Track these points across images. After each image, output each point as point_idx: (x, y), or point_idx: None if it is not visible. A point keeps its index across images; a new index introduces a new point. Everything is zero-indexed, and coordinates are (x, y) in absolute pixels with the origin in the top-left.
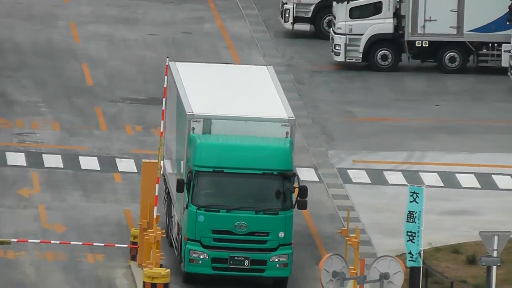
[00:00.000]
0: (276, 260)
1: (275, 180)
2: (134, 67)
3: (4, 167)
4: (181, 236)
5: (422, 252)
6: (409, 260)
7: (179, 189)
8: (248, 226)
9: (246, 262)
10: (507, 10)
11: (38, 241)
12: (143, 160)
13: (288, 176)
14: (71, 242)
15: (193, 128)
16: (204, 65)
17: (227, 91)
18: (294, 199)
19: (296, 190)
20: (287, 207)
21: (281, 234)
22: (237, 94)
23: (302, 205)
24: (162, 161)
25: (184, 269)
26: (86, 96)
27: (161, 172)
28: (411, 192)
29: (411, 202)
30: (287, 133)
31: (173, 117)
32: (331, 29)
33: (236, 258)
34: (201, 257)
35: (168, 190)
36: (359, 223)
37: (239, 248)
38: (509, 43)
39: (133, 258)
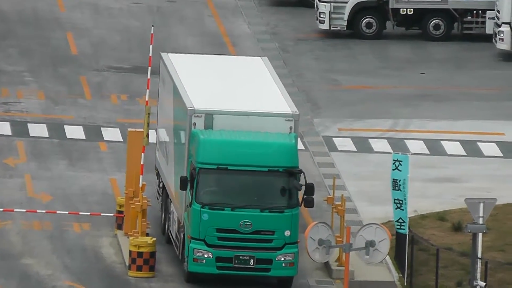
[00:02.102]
0: (282, 259)
1: (281, 177)
2: (118, 36)
3: None
4: (183, 234)
5: (408, 219)
6: (398, 228)
7: (182, 186)
8: (253, 225)
9: (252, 261)
10: None
11: (24, 210)
12: (129, 129)
13: (294, 173)
14: (57, 212)
15: (195, 124)
16: (198, 57)
17: (226, 85)
18: (300, 197)
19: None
20: (293, 205)
21: (287, 233)
22: (236, 88)
23: (309, 203)
24: (148, 134)
25: (188, 269)
26: (71, 65)
27: (155, 148)
28: (394, 160)
29: (393, 170)
30: (290, 128)
31: (169, 110)
32: None
33: (241, 257)
34: (205, 256)
35: (163, 184)
36: (345, 191)
37: (244, 247)
38: (494, 10)
39: (119, 227)
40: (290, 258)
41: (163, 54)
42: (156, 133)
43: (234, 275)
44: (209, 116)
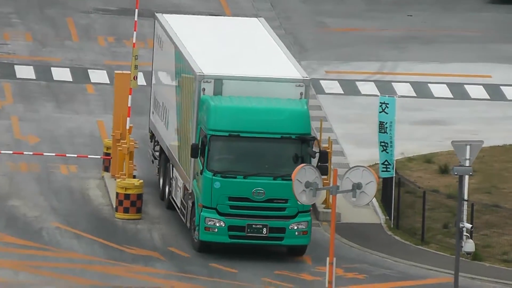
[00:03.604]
0: (295, 227)
1: (294, 144)
2: None
3: None
4: (192, 202)
5: (394, 162)
6: (383, 171)
7: (194, 154)
8: (266, 193)
9: (264, 230)
10: None
11: (11, 152)
12: (116, 71)
13: (307, 140)
14: (44, 153)
15: (204, 89)
16: (195, 18)
17: (231, 49)
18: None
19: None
20: None
21: None
22: (243, 53)
23: (323, 170)
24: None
25: (199, 238)
26: (57, 7)
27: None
28: (380, 102)
29: (380, 112)
30: (301, 93)
31: (169, 74)
32: None
33: (254, 226)
34: (217, 225)
35: (161, 148)
36: (332, 133)
37: (257, 216)
38: None
39: (106, 169)
40: (303, 227)
41: (158, 15)
42: (151, 96)
43: (246, 244)
44: (218, 82)
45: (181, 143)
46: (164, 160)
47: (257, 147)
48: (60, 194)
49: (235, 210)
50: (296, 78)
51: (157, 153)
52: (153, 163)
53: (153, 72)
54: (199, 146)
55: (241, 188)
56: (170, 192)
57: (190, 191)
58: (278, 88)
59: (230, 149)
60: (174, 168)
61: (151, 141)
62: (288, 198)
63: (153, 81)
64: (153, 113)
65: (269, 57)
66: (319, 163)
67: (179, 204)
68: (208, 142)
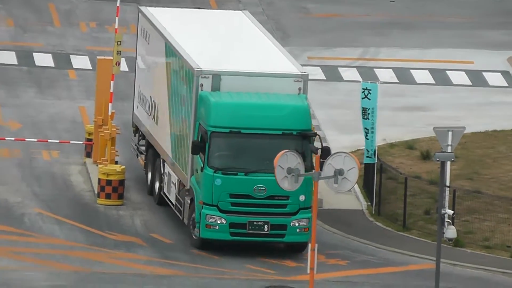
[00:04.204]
0: (297, 224)
1: (295, 140)
2: None
3: None
4: (190, 199)
5: (376, 148)
6: (366, 157)
7: (195, 151)
8: (267, 190)
9: (266, 227)
10: None
11: None
12: (98, 57)
13: (308, 136)
14: (26, 139)
15: (201, 85)
16: (180, 11)
17: (223, 44)
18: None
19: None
20: (307, 169)
21: (302, 198)
22: (235, 47)
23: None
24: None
25: (200, 235)
26: None
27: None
28: (363, 88)
29: (363, 98)
30: (299, 88)
31: (159, 69)
32: None
33: (255, 223)
34: (219, 222)
35: (148, 143)
36: (314, 119)
37: (258, 213)
38: None
39: (88, 155)
40: (305, 224)
41: (142, 8)
42: (135, 89)
43: (247, 241)
44: (216, 77)
45: (176, 139)
46: (152, 155)
47: (258, 144)
48: (42, 180)
49: (236, 207)
50: (295, 73)
51: (143, 148)
52: (137, 157)
53: (136, 65)
54: (200, 143)
55: (242, 185)
56: (161, 187)
57: (188, 187)
58: (276, 84)
59: (231, 146)
60: (166, 164)
61: (135, 135)
62: (290, 195)
63: (138, 75)
64: (137, 107)
65: (263, 52)
66: (321, 159)
67: (173, 201)
68: (208, 139)
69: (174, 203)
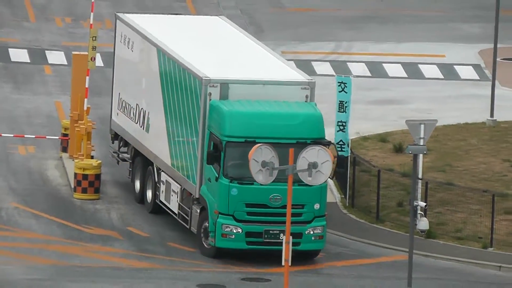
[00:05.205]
0: (312, 232)
1: None
2: None
3: None
4: (198, 208)
5: (350, 141)
6: (339, 150)
7: (210, 161)
8: (283, 199)
9: (282, 235)
10: None
11: None
12: (73, 52)
13: (322, 144)
14: (3, 134)
15: (210, 94)
16: (160, 18)
17: (221, 51)
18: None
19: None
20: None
21: (317, 206)
22: (235, 55)
23: (342, 175)
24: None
25: (216, 244)
26: None
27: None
28: (338, 82)
29: (340, 92)
30: (306, 96)
31: (146, 75)
32: None
33: (271, 231)
34: (235, 231)
35: (135, 151)
36: None
37: (274, 222)
38: None
39: (64, 149)
40: (319, 231)
41: (120, 14)
42: (113, 96)
43: (263, 250)
44: (225, 86)
45: (176, 147)
46: (142, 163)
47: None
48: (18, 174)
49: (252, 217)
50: (302, 80)
51: (126, 155)
52: (118, 164)
53: (114, 72)
54: (215, 153)
55: (258, 195)
56: (156, 196)
57: (198, 196)
58: (284, 91)
59: (246, 155)
60: (161, 172)
61: (113, 142)
62: (305, 203)
63: (117, 82)
64: (117, 114)
65: (263, 59)
66: (337, 168)
67: (175, 209)
68: (223, 148)
69: (177, 212)
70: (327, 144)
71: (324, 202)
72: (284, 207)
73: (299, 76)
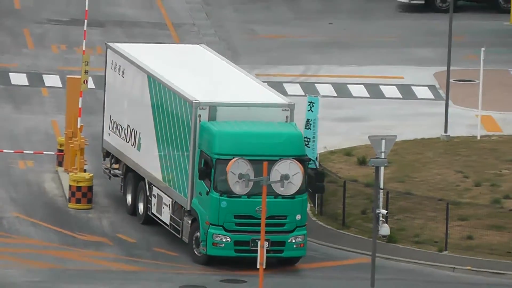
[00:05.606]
0: (294, 240)
1: None
2: None
3: None
4: (189, 219)
5: (318, 155)
6: (308, 163)
7: (202, 177)
8: (268, 211)
9: (267, 244)
10: None
11: None
12: (68, 76)
13: (303, 161)
14: (4, 150)
15: (199, 115)
16: (147, 46)
17: (208, 77)
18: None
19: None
20: (302, 191)
21: (298, 217)
22: (220, 80)
23: (321, 189)
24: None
25: (207, 252)
26: (14, 18)
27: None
28: (308, 101)
29: (308, 110)
30: (287, 117)
31: (136, 99)
32: None
33: (257, 240)
34: (224, 240)
35: (127, 167)
36: None
37: (260, 231)
38: None
39: (60, 164)
40: (300, 240)
41: (111, 44)
42: (104, 117)
43: (250, 257)
44: (213, 108)
45: (167, 164)
46: (133, 178)
47: (259, 169)
48: (18, 186)
49: (240, 227)
50: (283, 103)
51: (118, 171)
52: (110, 179)
53: (106, 96)
54: (206, 169)
55: (245, 207)
56: (148, 208)
57: (189, 209)
58: (266, 113)
59: None
60: (152, 187)
61: (104, 160)
62: (287, 214)
63: (108, 105)
64: (109, 134)
65: (246, 84)
66: (317, 183)
67: (167, 221)
68: (214, 165)
69: (169, 223)
70: (307, 160)
71: (305, 213)
72: (269, 218)
73: (279, 99)
